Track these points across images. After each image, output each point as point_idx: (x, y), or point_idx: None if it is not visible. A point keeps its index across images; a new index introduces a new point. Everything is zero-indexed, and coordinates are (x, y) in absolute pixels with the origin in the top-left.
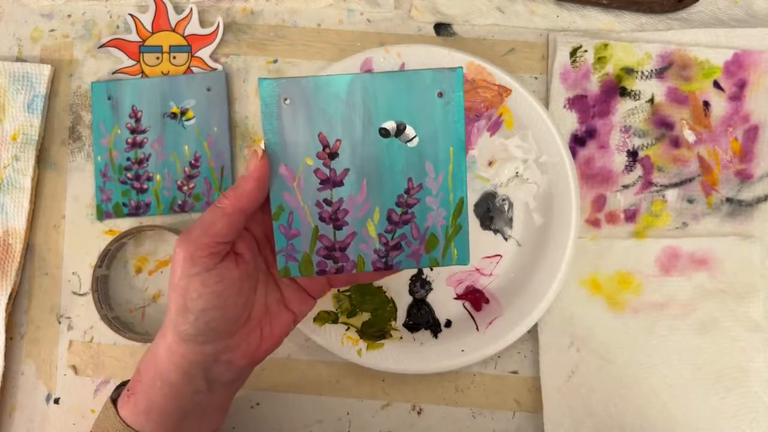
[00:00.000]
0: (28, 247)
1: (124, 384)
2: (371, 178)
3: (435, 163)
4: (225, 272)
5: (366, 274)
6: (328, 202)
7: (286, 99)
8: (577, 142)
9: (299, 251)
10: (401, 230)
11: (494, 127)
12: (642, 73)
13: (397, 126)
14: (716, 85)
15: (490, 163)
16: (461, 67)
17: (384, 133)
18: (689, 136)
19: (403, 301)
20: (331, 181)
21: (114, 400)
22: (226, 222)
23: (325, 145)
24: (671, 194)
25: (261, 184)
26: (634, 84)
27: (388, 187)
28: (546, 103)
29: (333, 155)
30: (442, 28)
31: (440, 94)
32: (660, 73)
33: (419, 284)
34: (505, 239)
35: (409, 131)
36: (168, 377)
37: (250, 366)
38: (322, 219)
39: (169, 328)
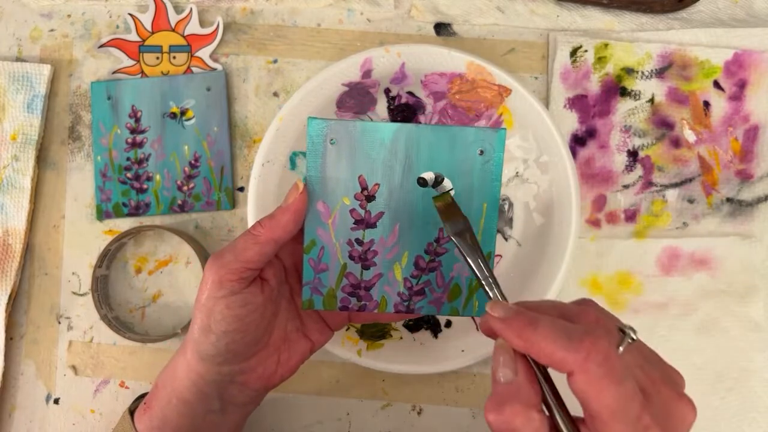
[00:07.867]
0: (28, 247)
1: (143, 396)
2: (404, 223)
3: (468, 217)
4: (250, 297)
5: (386, 315)
6: (359, 242)
7: (332, 139)
8: (578, 142)
9: (325, 286)
10: (427, 277)
11: (494, 127)
12: (642, 72)
13: (436, 177)
14: (716, 85)
15: None
16: (505, 129)
17: (422, 182)
18: (689, 136)
19: None
20: (365, 222)
21: (132, 411)
22: (258, 250)
23: (364, 188)
24: (671, 194)
25: (297, 218)
26: (635, 84)
27: (419, 234)
28: (546, 103)
29: (370, 198)
30: (442, 28)
31: (481, 152)
32: (660, 72)
33: None
34: (506, 239)
35: (447, 183)
36: (183, 395)
37: (264, 390)
38: (351, 257)
39: (190, 346)
